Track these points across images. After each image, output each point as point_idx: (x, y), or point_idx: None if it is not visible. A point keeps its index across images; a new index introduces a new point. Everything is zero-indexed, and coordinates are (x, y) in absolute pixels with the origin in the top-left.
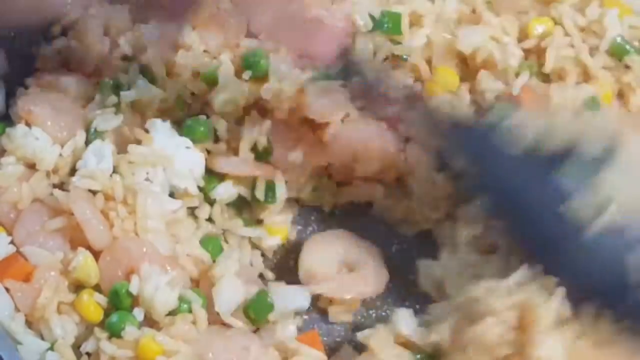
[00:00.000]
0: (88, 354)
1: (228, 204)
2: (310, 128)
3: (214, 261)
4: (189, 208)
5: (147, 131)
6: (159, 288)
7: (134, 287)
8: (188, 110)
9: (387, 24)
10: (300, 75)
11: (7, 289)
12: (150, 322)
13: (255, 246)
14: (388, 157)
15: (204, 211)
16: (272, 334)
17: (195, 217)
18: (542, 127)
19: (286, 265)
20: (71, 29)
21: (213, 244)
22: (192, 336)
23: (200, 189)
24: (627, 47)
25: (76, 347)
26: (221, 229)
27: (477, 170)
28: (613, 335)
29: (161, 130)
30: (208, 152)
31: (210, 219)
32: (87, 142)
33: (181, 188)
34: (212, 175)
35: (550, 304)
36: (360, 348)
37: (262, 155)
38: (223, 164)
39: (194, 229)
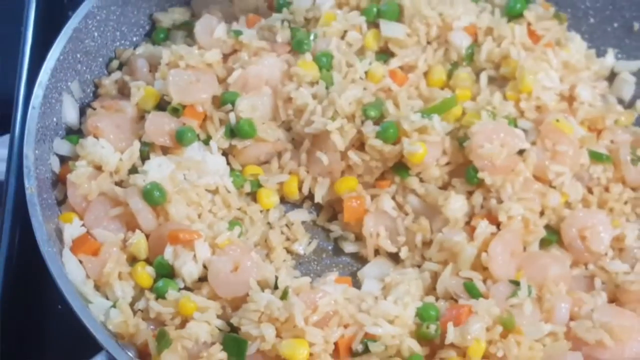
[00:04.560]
0: (141, 310)
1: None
2: None
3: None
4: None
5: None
6: (186, 262)
7: (169, 260)
8: None
9: None
10: None
11: (80, 261)
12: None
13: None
14: None
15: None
16: None
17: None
18: None
19: None
20: (125, 65)
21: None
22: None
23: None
24: None
25: (132, 305)
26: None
27: None
28: None
29: None
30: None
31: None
32: (141, 151)
33: (212, 184)
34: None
35: None
36: None
37: None
38: None
39: (222, 214)
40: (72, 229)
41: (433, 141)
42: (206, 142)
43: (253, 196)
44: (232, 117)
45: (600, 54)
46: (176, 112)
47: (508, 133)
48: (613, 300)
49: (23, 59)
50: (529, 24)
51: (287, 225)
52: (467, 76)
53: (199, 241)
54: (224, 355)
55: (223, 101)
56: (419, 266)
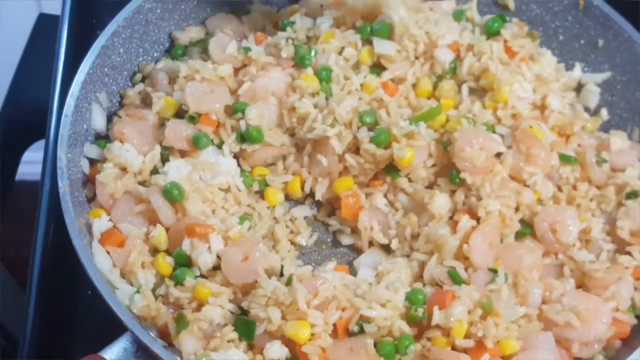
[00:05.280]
0: (161, 295)
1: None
2: None
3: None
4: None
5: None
6: (201, 253)
7: (186, 251)
8: None
9: None
10: None
11: (108, 252)
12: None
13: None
14: None
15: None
16: None
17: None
18: None
19: None
20: (147, 78)
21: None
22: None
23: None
24: None
25: (153, 291)
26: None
27: None
28: None
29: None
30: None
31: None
32: (162, 154)
33: (224, 184)
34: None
35: None
36: None
37: None
38: None
39: (233, 210)
40: (101, 224)
41: (420, 146)
42: (219, 146)
43: (261, 194)
44: (242, 124)
45: (569, 67)
46: (193, 119)
47: (487, 138)
48: (580, 286)
49: (57, 73)
50: (505, 41)
51: (291, 220)
52: (451, 87)
53: (213, 234)
54: (235, 335)
55: (234, 110)
56: (408, 256)
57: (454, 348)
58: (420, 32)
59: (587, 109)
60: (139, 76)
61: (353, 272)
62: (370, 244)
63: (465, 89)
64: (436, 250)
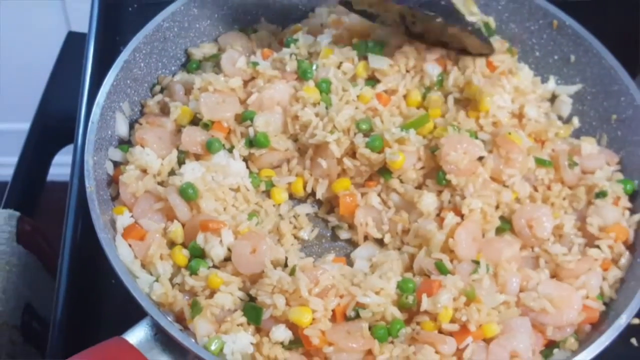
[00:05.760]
0: (178, 284)
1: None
2: None
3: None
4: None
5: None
6: (214, 246)
7: (200, 244)
8: None
9: None
10: None
11: (130, 245)
12: (216, 266)
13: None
14: None
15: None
16: None
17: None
18: None
19: None
20: (165, 89)
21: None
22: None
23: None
24: None
25: (171, 280)
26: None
27: None
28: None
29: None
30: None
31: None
32: (179, 158)
33: (234, 184)
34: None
35: None
36: None
37: None
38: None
39: (243, 208)
40: (123, 220)
41: (410, 150)
42: (230, 150)
43: (267, 193)
44: (250, 131)
45: (544, 80)
46: (206, 126)
47: (470, 143)
48: (554, 276)
49: (84, 85)
50: (487, 57)
51: (294, 216)
52: (438, 98)
53: (225, 229)
54: (244, 319)
55: (243, 118)
56: (399, 249)
57: (440, 331)
58: (411, 48)
59: (560, 118)
60: (158, 87)
61: (350, 263)
62: (365, 238)
63: (451, 99)
64: (424, 243)
